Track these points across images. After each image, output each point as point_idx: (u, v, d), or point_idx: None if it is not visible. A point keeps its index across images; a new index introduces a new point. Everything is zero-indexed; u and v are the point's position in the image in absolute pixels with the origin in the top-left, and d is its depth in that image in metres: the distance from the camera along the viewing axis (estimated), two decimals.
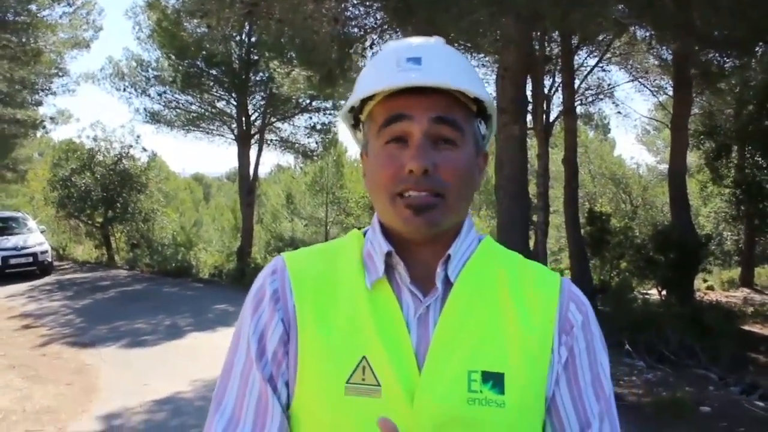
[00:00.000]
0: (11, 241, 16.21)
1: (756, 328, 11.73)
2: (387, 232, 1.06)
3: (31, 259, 16.19)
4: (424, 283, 1.03)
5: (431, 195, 0.98)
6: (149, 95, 19.60)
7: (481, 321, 1.00)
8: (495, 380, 0.95)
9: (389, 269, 1.04)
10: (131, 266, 19.06)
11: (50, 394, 6.71)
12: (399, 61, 1.00)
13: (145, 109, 19.85)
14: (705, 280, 18.53)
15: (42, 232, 17.64)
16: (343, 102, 17.64)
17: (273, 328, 1.02)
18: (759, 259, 20.56)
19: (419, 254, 1.04)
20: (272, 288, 1.05)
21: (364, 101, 1.06)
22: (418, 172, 0.96)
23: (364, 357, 0.97)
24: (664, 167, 28.35)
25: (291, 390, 1.01)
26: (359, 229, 1.14)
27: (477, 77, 1.06)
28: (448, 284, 1.03)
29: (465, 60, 1.07)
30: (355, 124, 1.13)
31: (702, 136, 15.74)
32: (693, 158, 18.71)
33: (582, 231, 14.11)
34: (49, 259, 16.93)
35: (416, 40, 1.06)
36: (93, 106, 43.52)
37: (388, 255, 1.03)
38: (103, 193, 20.84)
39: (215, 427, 1.00)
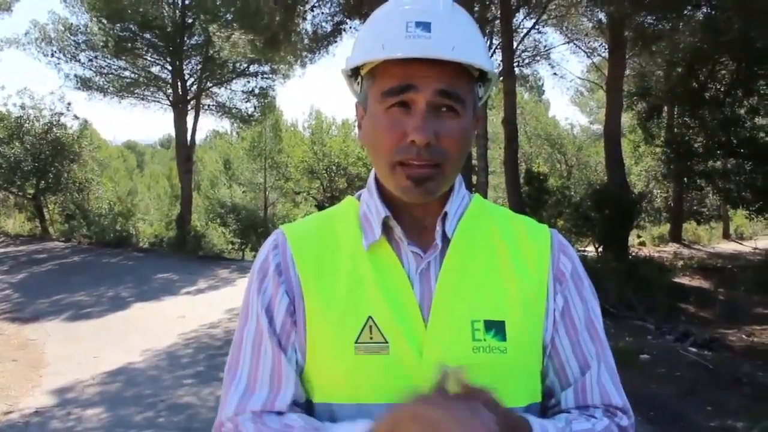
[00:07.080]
0: None
1: (685, 281, 12.35)
2: (382, 192, 1.09)
3: None
4: (422, 241, 1.06)
5: (430, 166, 0.99)
6: (79, 61, 18.89)
7: (480, 272, 1.05)
8: (497, 328, 1.00)
9: (387, 229, 1.06)
10: (68, 238, 18.52)
11: None
12: (408, 24, 0.98)
13: (75, 75, 19.16)
14: (639, 236, 19.27)
15: None
16: (283, 66, 17.42)
17: (279, 300, 1.04)
18: (686, 215, 21.43)
19: (415, 213, 1.07)
20: (275, 262, 1.07)
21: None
22: (421, 144, 0.97)
23: (369, 317, 0.99)
24: (597, 128, 29.04)
25: (303, 356, 1.04)
26: (351, 195, 1.18)
27: (483, 44, 1.06)
28: (445, 240, 1.06)
29: (472, 24, 1.06)
30: (352, 75, 1.11)
31: (635, 97, 16.14)
32: (626, 119, 19.23)
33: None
34: None
35: (424, 1, 1.03)
36: (19, 72, 41.42)
37: (386, 218, 1.06)
38: (34, 163, 20.06)
39: (231, 396, 1.02)
